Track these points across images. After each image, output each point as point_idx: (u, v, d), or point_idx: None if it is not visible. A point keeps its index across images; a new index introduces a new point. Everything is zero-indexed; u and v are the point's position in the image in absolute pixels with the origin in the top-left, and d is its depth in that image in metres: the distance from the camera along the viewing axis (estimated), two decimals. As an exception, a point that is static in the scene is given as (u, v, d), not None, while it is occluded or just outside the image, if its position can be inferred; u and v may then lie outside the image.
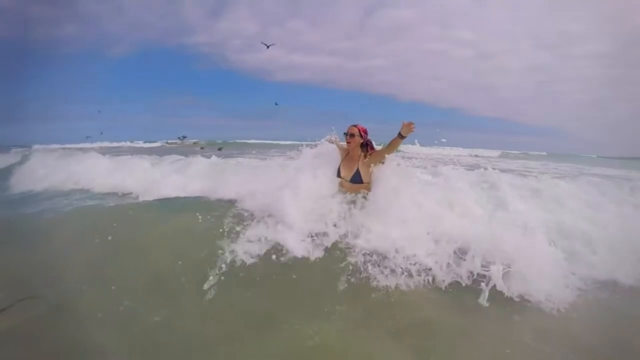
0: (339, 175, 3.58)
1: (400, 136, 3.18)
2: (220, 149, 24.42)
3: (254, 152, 13.79)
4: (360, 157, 3.51)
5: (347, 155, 3.62)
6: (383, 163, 3.42)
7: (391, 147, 3.36)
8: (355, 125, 3.51)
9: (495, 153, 29.51)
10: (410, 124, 3.10)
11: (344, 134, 3.52)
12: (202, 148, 26.37)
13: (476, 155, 25.04)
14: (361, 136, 3.50)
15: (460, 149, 30.98)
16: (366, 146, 3.53)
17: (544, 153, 37.78)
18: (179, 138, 29.74)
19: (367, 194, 3.43)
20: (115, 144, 28.26)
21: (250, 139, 34.62)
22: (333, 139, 3.84)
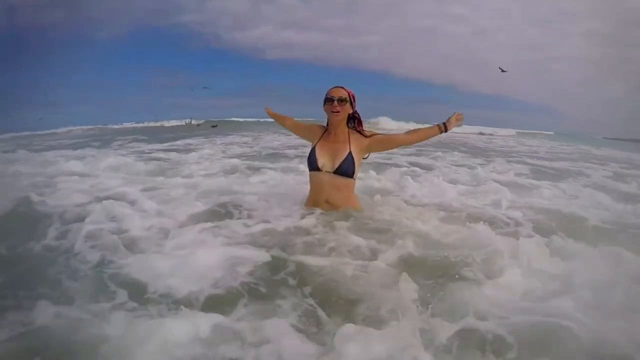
0: (313, 165, 2.42)
1: (443, 129, 2.43)
2: (214, 126, 23.94)
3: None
4: (350, 135, 2.42)
5: (324, 135, 2.48)
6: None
7: (417, 136, 2.46)
8: (342, 87, 2.40)
9: (511, 132, 28.29)
10: (459, 115, 2.46)
11: (325, 99, 2.37)
12: (198, 125, 25.88)
13: (491, 135, 23.76)
14: (351, 104, 2.40)
15: (467, 126, 29.85)
16: (354, 120, 2.46)
17: (551, 132, 36.36)
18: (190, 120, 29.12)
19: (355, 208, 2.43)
20: (100, 126, 27.12)
21: (244, 117, 33.46)
22: (270, 110, 2.79)
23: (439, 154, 7.70)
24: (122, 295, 1.49)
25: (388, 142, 2.46)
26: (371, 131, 2.45)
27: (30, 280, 1.65)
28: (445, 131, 2.42)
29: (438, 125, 2.42)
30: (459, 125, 2.49)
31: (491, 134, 24.10)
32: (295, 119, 2.75)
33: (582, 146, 15.30)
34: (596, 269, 1.66)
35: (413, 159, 6.41)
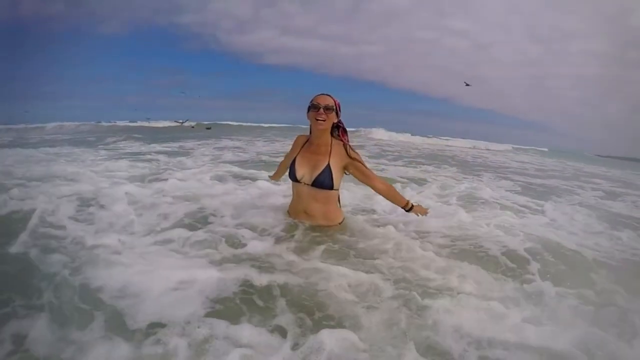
0: (293, 177, 2.37)
1: (407, 208, 2.45)
2: (208, 129, 23.99)
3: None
4: (332, 146, 2.34)
5: (306, 144, 2.43)
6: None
7: (387, 193, 2.44)
8: (329, 95, 2.31)
9: (508, 147, 28.71)
10: (426, 212, 2.50)
11: (310, 106, 2.28)
12: (192, 127, 25.93)
13: (487, 149, 23.88)
14: (337, 113, 2.33)
15: (461, 139, 30.26)
16: (338, 129, 2.39)
17: (545, 149, 36.82)
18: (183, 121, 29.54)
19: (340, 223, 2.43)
20: (93, 123, 26.97)
21: (239, 121, 33.85)
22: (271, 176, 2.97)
23: (432, 168, 7.70)
24: (98, 320, 1.37)
25: (363, 177, 2.37)
26: (356, 154, 2.35)
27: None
28: (408, 211, 2.45)
29: (407, 201, 2.44)
30: (418, 216, 2.48)
31: (488, 149, 24.29)
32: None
33: (576, 163, 15.49)
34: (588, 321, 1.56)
35: (403, 171, 6.40)
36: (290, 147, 2.55)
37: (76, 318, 1.38)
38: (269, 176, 2.99)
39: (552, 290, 1.81)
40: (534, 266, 2.10)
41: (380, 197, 2.50)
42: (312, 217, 2.38)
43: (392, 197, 2.44)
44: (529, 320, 1.52)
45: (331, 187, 2.30)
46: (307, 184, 2.30)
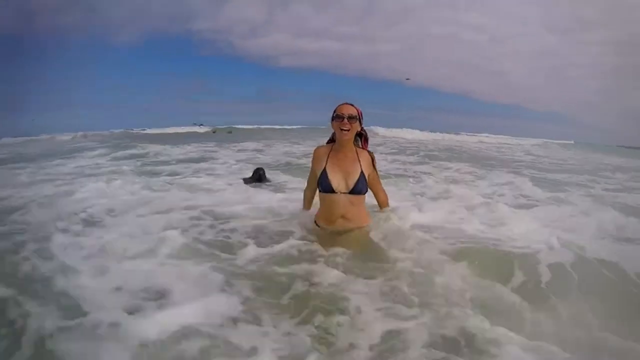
0: (327, 188, 2.36)
1: None
2: (229, 132, 24.41)
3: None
4: (358, 153, 2.41)
5: (331, 154, 2.43)
6: None
7: (381, 202, 2.67)
8: (351, 104, 2.37)
9: (532, 141, 27.54)
10: None
11: (334, 116, 2.33)
12: (214, 132, 26.41)
13: (518, 144, 22.75)
14: (360, 121, 2.38)
15: (484, 136, 29.46)
16: (361, 137, 2.48)
17: (571, 142, 35.07)
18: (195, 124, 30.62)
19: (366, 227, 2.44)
20: (110, 131, 27.41)
21: (257, 124, 34.28)
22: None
23: (452, 164, 7.54)
24: (127, 322, 1.38)
25: (374, 186, 2.53)
26: (375, 163, 2.47)
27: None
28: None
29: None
30: None
31: (518, 144, 23.39)
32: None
33: (603, 156, 14.67)
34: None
35: (424, 168, 6.29)
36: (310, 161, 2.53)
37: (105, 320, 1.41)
38: (302, 209, 2.81)
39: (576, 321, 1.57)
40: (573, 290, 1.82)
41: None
42: (349, 221, 2.39)
43: (385, 207, 2.69)
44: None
45: (365, 192, 2.41)
46: (345, 193, 2.34)
